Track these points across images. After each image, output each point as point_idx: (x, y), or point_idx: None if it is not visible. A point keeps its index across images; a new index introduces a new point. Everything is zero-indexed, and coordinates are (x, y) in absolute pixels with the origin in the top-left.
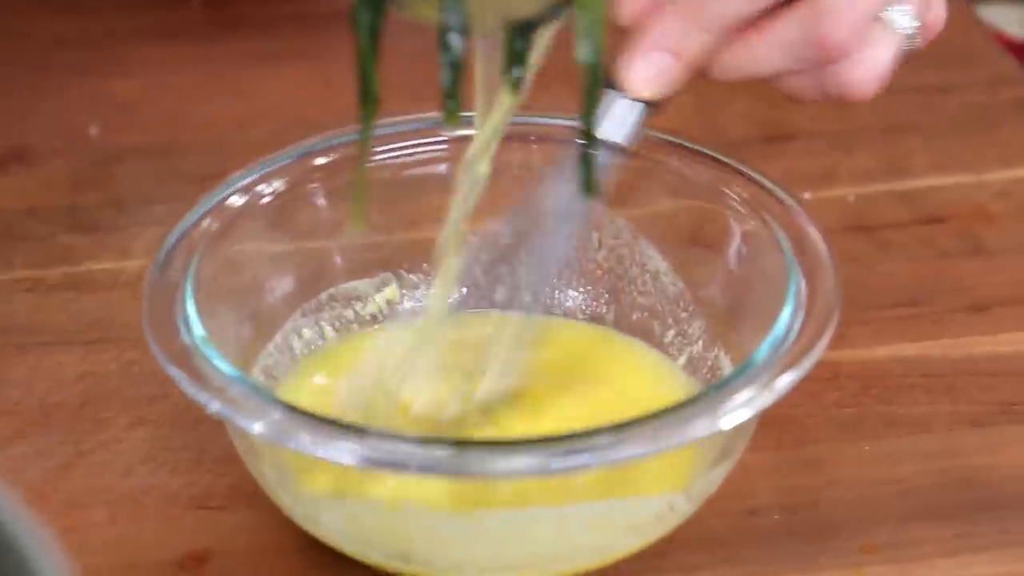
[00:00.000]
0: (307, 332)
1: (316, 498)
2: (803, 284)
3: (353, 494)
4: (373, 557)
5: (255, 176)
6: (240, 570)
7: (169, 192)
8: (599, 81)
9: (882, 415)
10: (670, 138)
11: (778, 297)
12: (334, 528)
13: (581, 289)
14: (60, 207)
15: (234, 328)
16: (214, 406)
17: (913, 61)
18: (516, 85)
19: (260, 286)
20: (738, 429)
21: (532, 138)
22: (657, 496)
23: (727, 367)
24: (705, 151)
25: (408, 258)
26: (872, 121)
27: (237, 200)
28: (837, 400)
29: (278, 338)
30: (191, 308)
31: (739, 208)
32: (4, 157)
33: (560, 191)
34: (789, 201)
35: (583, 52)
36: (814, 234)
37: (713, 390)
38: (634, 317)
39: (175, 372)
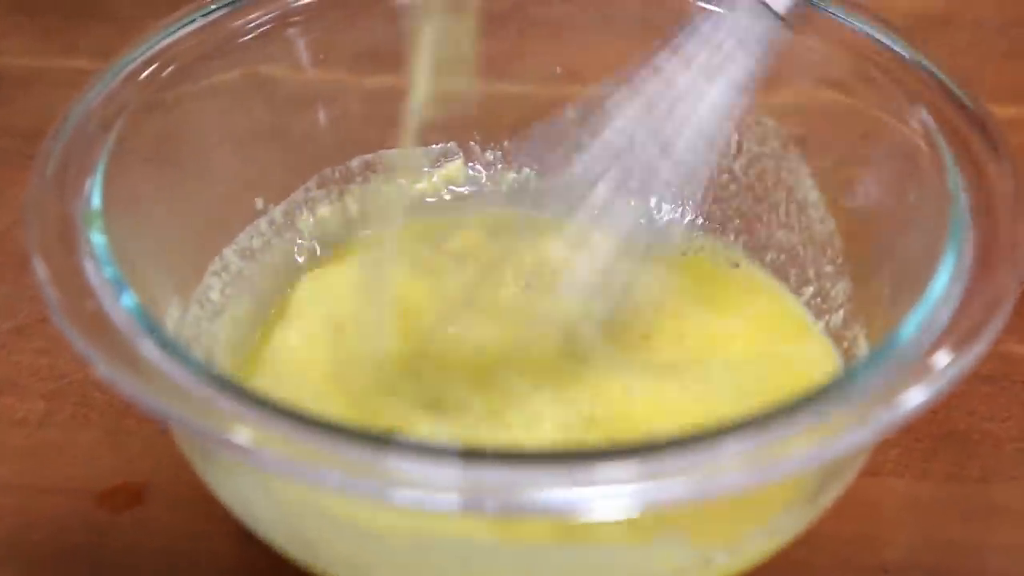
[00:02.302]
0: (324, 210)
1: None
2: (968, 245)
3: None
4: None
5: None
6: (167, 521)
7: None
8: None
9: None
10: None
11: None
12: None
13: (705, 205)
14: None
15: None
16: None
17: None
18: None
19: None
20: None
21: None
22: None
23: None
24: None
25: (484, 125)
26: None
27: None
28: None
29: (276, 213)
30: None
31: (907, 130)
32: None
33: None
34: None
35: None
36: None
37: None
38: (768, 258)
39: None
